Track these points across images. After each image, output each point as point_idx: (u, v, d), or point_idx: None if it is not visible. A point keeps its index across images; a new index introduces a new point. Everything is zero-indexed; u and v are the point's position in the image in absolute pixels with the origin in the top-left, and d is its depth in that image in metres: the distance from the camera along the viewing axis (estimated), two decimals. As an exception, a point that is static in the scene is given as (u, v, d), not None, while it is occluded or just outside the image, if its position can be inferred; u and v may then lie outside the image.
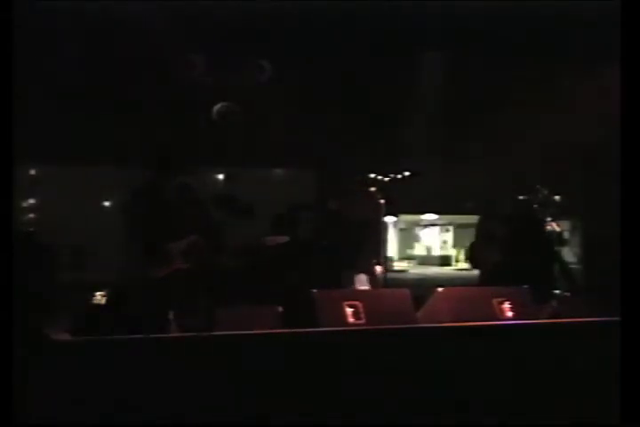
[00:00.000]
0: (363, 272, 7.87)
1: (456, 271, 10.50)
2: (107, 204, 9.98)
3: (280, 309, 5.35)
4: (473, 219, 9.43)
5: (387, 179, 7.40)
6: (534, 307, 5.67)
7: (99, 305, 5.17)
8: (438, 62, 10.03)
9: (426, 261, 10.93)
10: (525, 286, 5.81)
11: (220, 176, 10.09)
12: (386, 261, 7.89)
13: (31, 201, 9.74)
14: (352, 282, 7.75)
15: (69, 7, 8.12)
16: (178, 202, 6.17)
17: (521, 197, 7.77)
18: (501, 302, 5.51)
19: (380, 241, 7.52)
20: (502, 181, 9.39)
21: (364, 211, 7.88)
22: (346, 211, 8.36)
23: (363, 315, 5.19)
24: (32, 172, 9.77)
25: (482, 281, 7.86)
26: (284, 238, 7.44)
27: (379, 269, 7.63)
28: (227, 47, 8.96)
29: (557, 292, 7.33)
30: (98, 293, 5.17)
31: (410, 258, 11.03)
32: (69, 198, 9.51)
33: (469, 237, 9.28)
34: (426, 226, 11.11)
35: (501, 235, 7.43)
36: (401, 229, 10.93)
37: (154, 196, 6.16)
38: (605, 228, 8.05)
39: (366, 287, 7.79)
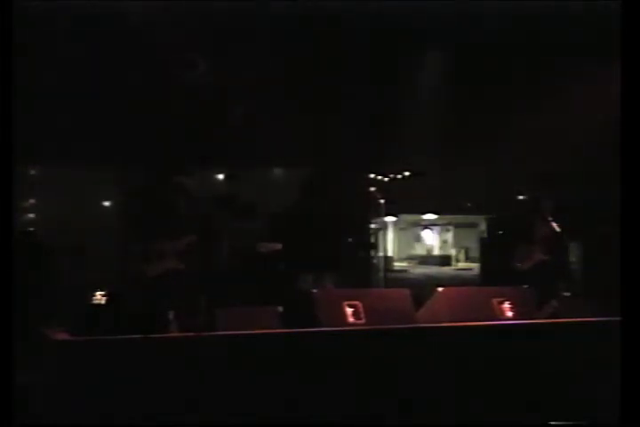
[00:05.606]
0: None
1: (456, 271, 10.51)
2: (105, 204, 9.97)
3: (280, 309, 5.34)
4: (473, 219, 9.44)
5: (387, 179, 7.40)
6: (534, 307, 5.67)
7: (99, 305, 5.16)
8: (438, 62, 10.03)
9: (426, 260, 10.94)
10: (526, 286, 5.82)
11: (220, 176, 10.07)
12: (386, 261, 7.88)
13: (31, 201, 9.74)
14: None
15: (69, 7, 8.11)
16: (175, 202, 6.17)
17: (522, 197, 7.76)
18: (501, 302, 5.51)
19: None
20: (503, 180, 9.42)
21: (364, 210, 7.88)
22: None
23: (363, 315, 5.19)
24: (32, 172, 9.77)
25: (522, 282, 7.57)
26: (278, 245, 7.38)
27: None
28: (226, 47, 8.96)
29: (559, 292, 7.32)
30: (98, 293, 5.16)
31: (410, 258, 11.04)
32: (68, 199, 9.51)
33: (469, 237, 9.28)
34: (426, 226, 11.12)
35: (546, 233, 7.36)
36: (401, 229, 10.94)
37: (151, 196, 6.16)
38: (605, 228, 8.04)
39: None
